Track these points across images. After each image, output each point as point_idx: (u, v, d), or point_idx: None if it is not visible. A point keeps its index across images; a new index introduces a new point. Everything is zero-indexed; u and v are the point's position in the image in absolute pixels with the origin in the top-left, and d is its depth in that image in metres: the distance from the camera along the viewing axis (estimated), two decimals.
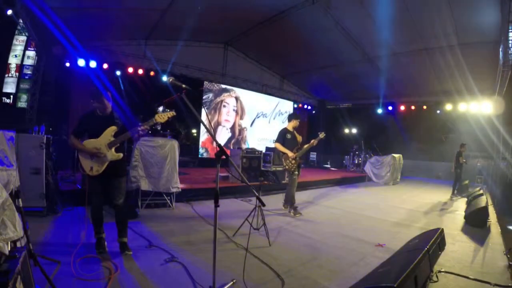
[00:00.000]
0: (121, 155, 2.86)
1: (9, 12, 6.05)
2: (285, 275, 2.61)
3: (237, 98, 12.21)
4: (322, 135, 5.21)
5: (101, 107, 2.84)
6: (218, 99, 11.63)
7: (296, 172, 5.09)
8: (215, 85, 11.54)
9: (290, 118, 5.41)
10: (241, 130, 12.39)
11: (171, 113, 2.81)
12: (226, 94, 11.88)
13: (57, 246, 2.96)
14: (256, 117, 12.99)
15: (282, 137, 5.16)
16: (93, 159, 2.79)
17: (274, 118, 13.74)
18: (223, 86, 11.78)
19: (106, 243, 2.92)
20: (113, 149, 2.81)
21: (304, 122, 14.91)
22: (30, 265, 1.85)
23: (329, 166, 14.03)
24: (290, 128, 5.27)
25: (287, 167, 5.10)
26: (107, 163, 2.81)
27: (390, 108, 13.37)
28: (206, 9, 7.86)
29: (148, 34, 9.33)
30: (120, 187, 2.94)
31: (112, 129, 2.83)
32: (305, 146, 5.16)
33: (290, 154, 5.00)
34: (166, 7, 7.52)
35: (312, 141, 5.08)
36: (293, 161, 5.00)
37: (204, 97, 11.16)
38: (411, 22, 7.57)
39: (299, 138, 5.29)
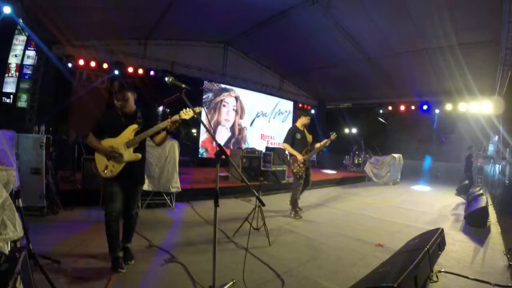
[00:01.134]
0: (139, 155, 2.62)
1: (8, 10, 6.02)
2: (285, 275, 2.61)
3: (237, 98, 12.21)
4: (333, 136, 4.80)
5: (125, 104, 2.59)
6: (218, 99, 11.62)
7: (304, 176, 4.75)
8: (215, 85, 11.53)
9: (299, 115, 5.00)
10: (241, 129, 12.39)
11: (198, 109, 2.45)
12: (226, 94, 11.87)
13: (57, 246, 2.95)
14: (256, 117, 12.99)
15: (292, 137, 4.77)
16: (110, 159, 2.57)
17: (273, 118, 13.75)
18: (223, 85, 11.78)
19: (123, 262, 2.58)
20: (131, 149, 2.58)
21: None
22: (30, 265, 1.85)
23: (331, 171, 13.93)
24: (299, 127, 4.87)
25: (294, 170, 4.70)
26: (124, 165, 2.57)
27: (390, 108, 13.35)
28: (206, 9, 7.87)
29: (148, 34, 9.33)
30: (136, 197, 2.75)
31: (133, 127, 2.61)
32: (317, 145, 4.80)
33: (299, 157, 4.61)
34: (166, 7, 7.53)
35: (324, 140, 4.72)
36: (302, 165, 4.65)
37: (204, 97, 11.16)
38: (411, 22, 7.58)
39: (310, 137, 4.89)
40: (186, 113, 2.46)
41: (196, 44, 10.62)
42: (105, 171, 2.57)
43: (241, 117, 12.38)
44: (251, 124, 12.79)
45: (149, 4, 7.39)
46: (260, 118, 13.16)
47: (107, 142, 2.59)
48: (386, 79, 11.26)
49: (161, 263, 2.72)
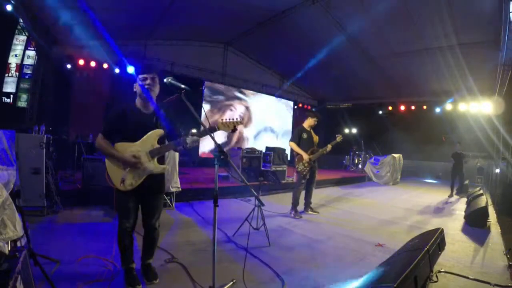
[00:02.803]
0: (166, 167, 2.30)
1: (9, 7, 6.02)
2: (285, 275, 2.61)
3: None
4: (339, 138, 4.87)
5: (151, 86, 2.18)
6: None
7: (307, 177, 4.83)
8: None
9: (307, 115, 5.05)
10: (241, 138, 12.17)
11: (238, 122, 2.17)
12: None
13: (57, 246, 2.95)
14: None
15: (298, 136, 4.86)
16: (127, 169, 2.17)
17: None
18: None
19: (136, 273, 2.34)
20: (155, 159, 2.23)
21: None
22: (30, 265, 1.86)
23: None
24: (306, 127, 4.94)
25: (299, 169, 4.77)
26: (145, 176, 2.21)
27: (390, 108, 13.36)
28: (207, 9, 7.87)
29: (148, 34, 9.33)
30: (159, 206, 2.42)
31: (158, 133, 2.22)
32: (320, 150, 4.85)
33: (305, 156, 4.68)
34: (166, 7, 7.53)
35: (327, 145, 4.79)
36: (306, 164, 4.71)
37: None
38: (411, 22, 7.58)
39: (316, 138, 4.97)
40: (226, 125, 2.15)
41: (196, 44, 10.62)
42: (123, 184, 2.16)
43: (245, 126, 12.18)
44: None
45: (149, 4, 7.39)
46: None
47: (124, 147, 2.15)
48: (386, 79, 11.26)
49: (161, 263, 2.71)
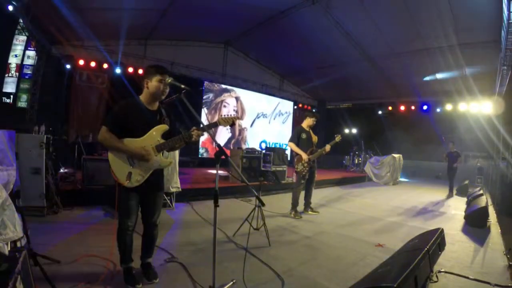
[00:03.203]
0: (172, 161, 2.36)
1: (10, 8, 6.03)
2: (285, 275, 2.61)
3: (237, 98, 12.23)
4: (338, 138, 4.86)
5: (162, 90, 2.19)
6: (219, 99, 11.64)
7: (307, 177, 4.83)
8: (216, 85, 11.55)
9: (306, 115, 5.04)
10: (241, 130, 12.40)
11: (236, 117, 2.34)
12: (226, 94, 11.90)
13: (57, 246, 2.95)
14: (256, 118, 13.00)
15: (297, 136, 4.85)
16: (134, 165, 2.16)
17: (274, 119, 13.76)
18: (224, 86, 11.80)
19: (134, 272, 2.35)
20: (161, 154, 2.28)
21: None
22: (30, 265, 1.86)
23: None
24: (305, 127, 4.93)
25: (298, 169, 4.77)
26: (152, 171, 2.24)
27: (390, 108, 13.37)
28: (206, 9, 7.88)
29: (148, 34, 9.34)
30: (159, 204, 2.45)
31: (162, 128, 2.25)
32: (319, 150, 4.84)
33: (304, 156, 4.67)
34: (166, 7, 7.53)
35: (326, 146, 4.78)
36: (306, 164, 4.70)
37: (204, 97, 11.18)
38: (411, 22, 7.58)
39: (315, 138, 4.96)
40: (225, 121, 2.27)
41: (196, 44, 10.63)
42: (129, 181, 2.14)
43: (241, 118, 12.41)
44: (251, 125, 12.80)
45: (149, 4, 7.40)
46: (260, 119, 13.17)
47: (129, 143, 2.15)
48: (386, 79, 11.27)
49: (161, 263, 2.71)
